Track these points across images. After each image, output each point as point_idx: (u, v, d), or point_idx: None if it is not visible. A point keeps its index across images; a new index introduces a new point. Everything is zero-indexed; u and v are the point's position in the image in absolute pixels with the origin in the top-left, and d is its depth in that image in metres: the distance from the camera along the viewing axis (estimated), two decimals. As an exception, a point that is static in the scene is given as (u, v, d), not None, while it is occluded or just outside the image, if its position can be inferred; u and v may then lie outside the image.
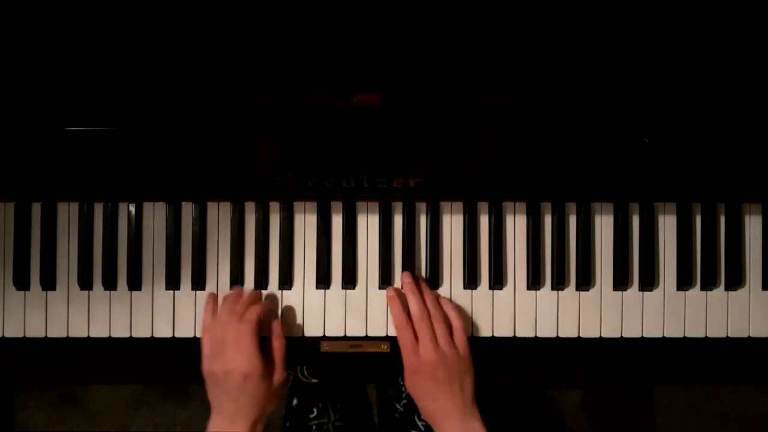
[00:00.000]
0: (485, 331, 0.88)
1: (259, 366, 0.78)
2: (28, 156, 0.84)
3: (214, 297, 0.86)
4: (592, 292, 0.89)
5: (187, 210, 0.89)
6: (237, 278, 0.88)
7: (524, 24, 0.85)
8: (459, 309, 0.86)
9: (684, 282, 0.89)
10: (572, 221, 0.89)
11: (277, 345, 0.82)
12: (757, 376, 1.38)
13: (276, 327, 0.83)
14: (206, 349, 0.81)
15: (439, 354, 0.80)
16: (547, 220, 0.89)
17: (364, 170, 0.84)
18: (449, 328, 0.83)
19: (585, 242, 0.89)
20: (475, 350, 0.85)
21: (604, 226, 0.89)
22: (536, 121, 0.85)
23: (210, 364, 0.80)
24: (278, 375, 0.81)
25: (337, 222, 0.89)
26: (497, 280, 0.88)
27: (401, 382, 1.00)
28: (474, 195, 0.88)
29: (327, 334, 0.88)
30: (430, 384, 0.79)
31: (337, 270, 0.89)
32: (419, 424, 0.96)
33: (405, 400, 0.99)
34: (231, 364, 0.78)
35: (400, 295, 0.86)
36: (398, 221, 0.89)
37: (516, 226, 0.89)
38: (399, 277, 0.88)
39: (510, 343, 0.88)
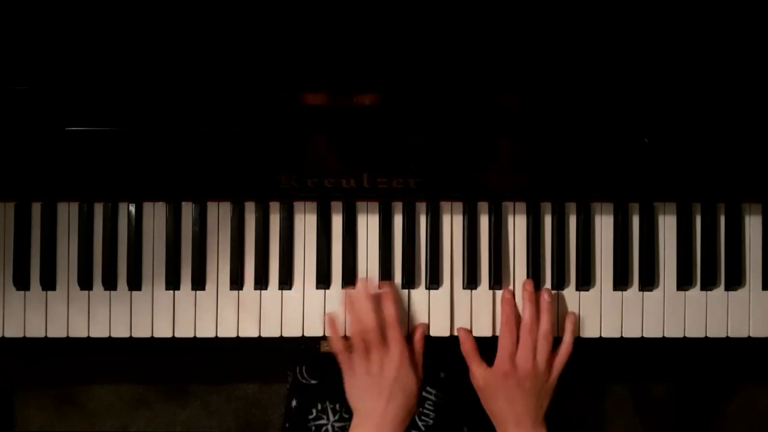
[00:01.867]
0: (485, 332, 0.88)
1: (408, 353, 0.83)
2: (28, 156, 0.84)
3: (332, 318, 0.87)
4: (592, 292, 0.89)
5: (187, 210, 0.89)
6: (237, 278, 0.88)
7: (524, 24, 0.85)
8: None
9: (684, 282, 0.89)
10: (572, 221, 0.89)
11: (418, 346, 0.85)
12: (757, 376, 1.38)
13: (420, 329, 0.87)
14: (348, 361, 0.84)
15: (535, 367, 0.82)
16: (547, 220, 0.89)
17: (364, 170, 0.84)
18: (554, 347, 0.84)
19: (585, 242, 0.89)
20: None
21: (604, 226, 0.89)
22: (536, 121, 0.85)
23: (360, 367, 0.83)
24: (420, 372, 0.84)
25: (337, 222, 0.89)
26: (497, 281, 0.88)
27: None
28: (474, 195, 0.88)
29: (327, 334, 0.88)
30: (514, 391, 0.82)
31: (337, 270, 0.89)
32: (420, 424, 0.96)
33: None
34: (384, 359, 0.82)
35: (513, 298, 0.87)
36: (398, 221, 0.89)
37: (516, 226, 0.89)
38: (399, 277, 0.88)
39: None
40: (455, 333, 0.88)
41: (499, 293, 0.88)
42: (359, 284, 0.86)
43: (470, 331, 0.88)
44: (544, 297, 0.87)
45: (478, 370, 0.85)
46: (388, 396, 0.81)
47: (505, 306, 0.86)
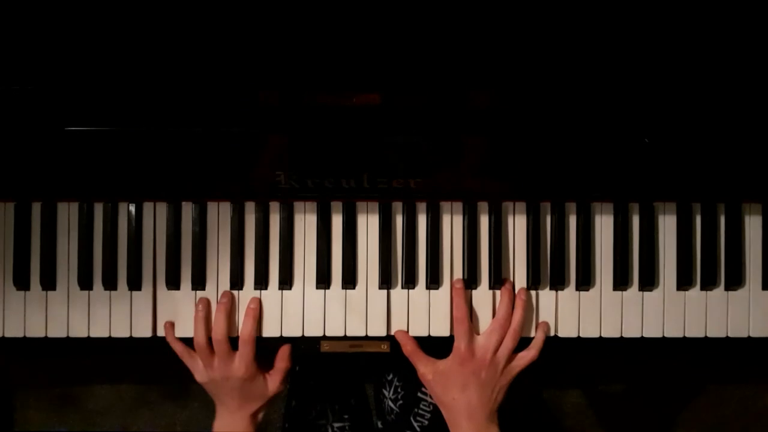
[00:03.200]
0: (485, 331, 0.88)
1: (255, 372, 0.84)
2: (28, 156, 0.84)
3: (206, 305, 0.87)
4: (592, 292, 0.89)
5: (187, 210, 0.89)
6: (237, 278, 0.88)
7: (525, 24, 0.85)
8: (541, 346, 0.86)
9: (684, 282, 0.89)
10: (572, 221, 0.89)
11: (282, 366, 0.87)
12: (757, 376, 1.38)
13: (285, 350, 0.88)
14: (194, 363, 0.86)
15: (493, 360, 0.82)
16: (547, 220, 0.89)
17: (364, 170, 0.84)
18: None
19: (585, 242, 0.89)
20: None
21: (604, 226, 0.89)
22: (536, 121, 0.85)
23: (206, 373, 0.85)
24: (276, 386, 0.86)
25: (337, 222, 0.89)
26: (497, 281, 0.88)
27: (398, 384, 1.00)
28: (474, 195, 0.88)
29: (327, 334, 0.88)
30: (469, 378, 0.81)
31: (337, 270, 0.89)
32: (415, 425, 0.96)
33: (401, 401, 1.00)
34: (229, 373, 0.83)
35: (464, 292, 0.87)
36: (398, 221, 0.89)
37: (516, 226, 0.89)
38: (399, 277, 0.88)
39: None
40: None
41: (498, 293, 0.88)
42: (223, 297, 0.87)
43: (407, 332, 0.87)
44: (521, 296, 0.86)
45: (426, 367, 0.84)
46: (238, 396, 0.84)
47: (457, 296, 0.86)
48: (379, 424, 1.02)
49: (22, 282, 0.88)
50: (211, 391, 0.86)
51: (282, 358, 0.87)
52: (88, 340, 0.88)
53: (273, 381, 0.86)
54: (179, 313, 0.88)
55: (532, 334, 0.87)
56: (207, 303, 0.86)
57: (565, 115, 0.85)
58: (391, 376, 1.01)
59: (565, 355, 0.90)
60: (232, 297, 0.87)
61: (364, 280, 0.89)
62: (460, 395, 0.81)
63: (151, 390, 1.36)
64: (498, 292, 0.88)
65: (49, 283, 0.88)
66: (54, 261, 0.88)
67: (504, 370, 0.83)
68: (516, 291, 0.87)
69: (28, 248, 0.88)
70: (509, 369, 0.83)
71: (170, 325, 0.87)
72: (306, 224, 0.89)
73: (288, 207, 0.89)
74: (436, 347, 0.88)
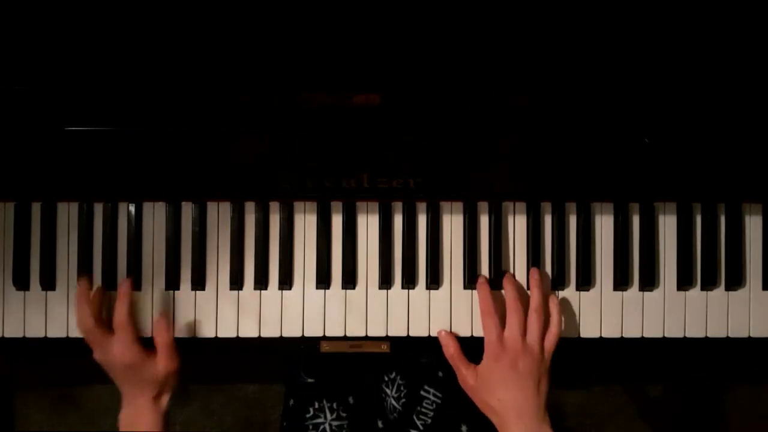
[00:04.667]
0: (485, 331, 0.88)
1: (139, 356, 0.82)
2: (28, 156, 0.84)
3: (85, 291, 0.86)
4: (592, 292, 0.89)
5: (187, 210, 0.89)
6: (237, 278, 0.88)
7: (524, 24, 0.85)
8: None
9: (684, 282, 0.89)
10: (572, 221, 0.89)
11: (161, 339, 0.84)
12: (757, 376, 1.38)
13: (161, 322, 0.85)
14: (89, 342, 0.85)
15: (525, 345, 0.79)
16: (547, 220, 0.89)
17: (364, 170, 0.84)
18: (544, 330, 0.82)
19: (585, 242, 0.89)
20: (473, 350, 0.84)
21: (604, 226, 0.89)
22: (536, 121, 0.85)
23: (96, 354, 0.84)
24: (166, 364, 0.83)
25: (337, 222, 0.89)
26: (497, 281, 0.88)
27: (400, 382, 1.00)
28: (474, 195, 0.88)
29: (327, 334, 0.88)
30: (509, 374, 0.79)
31: (337, 270, 0.89)
32: (418, 423, 0.96)
33: (404, 400, 0.99)
34: (112, 357, 0.83)
35: (486, 280, 0.86)
36: (398, 221, 0.89)
37: (516, 226, 0.89)
38: (399, 277, 0.88)
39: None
40: (456, 333, 0.88)
41: (498, 294, 0.88)
42: (80, 285, 0.85)
43: (452, 333, 0.86)
44: (534, 275, 0.85)
45: (467, 371, 0.83)
46: (127, 385, 0.84)
47: (481, 290, 0.84)
48: (380, 423, 1.02)
49: (21, 282, 0.88)
50: (114, 381, 0.85)
51: (158, 332, 0.84)
52: (88, 340, 0.88)
53: (160, 360, 0.83)
54: (178, 313, 0.88)
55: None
56: (85, 284, 0.85)
57: (565, 115, 0.85)
58: (393, 374, 1.01)
59: (565, 355, 0.90)
60: (97, 287, 0.86)
61: (364, 280, 0.89)
62: (505, 394, 0.79)
63: (151, 390, 1.36)
64: (497, 293, 0.88)
65: (48, 283, 0.88)
66: (54, 261, 0.88)
67: (538, 354, 0.80)
68: (529, 273, 0.86)
69: (27, 248, 0.88)
70: (543, 352, 0.81)
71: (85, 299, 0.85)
72: (306, 224, 0.89)
73: (288, 207, 0.89)
74: (434, 347, 0.88)
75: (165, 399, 0.85)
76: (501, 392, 0.79)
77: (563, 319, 0.86)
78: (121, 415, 0.84)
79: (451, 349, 0.84)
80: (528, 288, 0.88)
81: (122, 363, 0.82)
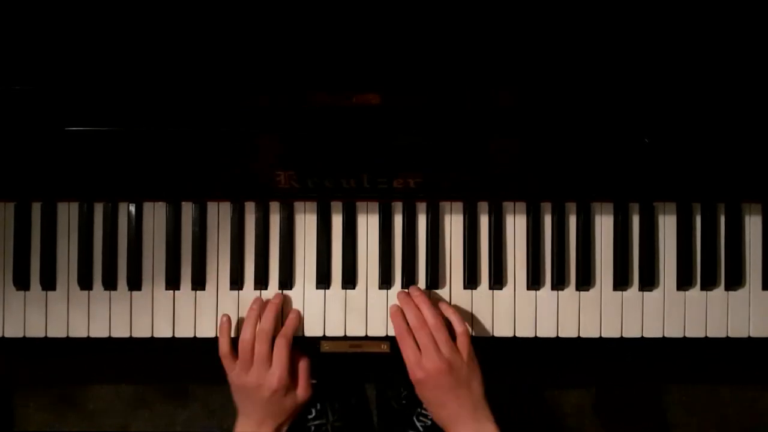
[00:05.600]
0: (485, 332, 0.88)
1: (287, 384, 0.81)
2: (28, 156, 0.84)
3: (229, 317, 0.86)
4: (592, 292, 0.89)
5: (187, 210, 0.89)
6: (237, 278, 0.88)
7: (524, 23, 0.85)
8: (461, 313, 0.86)
9: (684, 282, 0.89)
10: (572, 221, 0.89)
11: (304, 366, 0.84)
12: (757, 376, 1.38)
13: (302, 355, 0.85)
14: (231, 366, 0.83)
15: (443, 361, 0.80)
16: (547, 220, 0.89)
17: (364, 170, 0.84)
18: (452, 332, 0.83)
19: (585, 242, 0.89)
20: (474, 350, 0.84)
21: (604, 226, 0.89)
22: (536, 121, 0.85)
23: (239, 377, 0.82)
24: (303, 393, 0.83)
25: (337, 222, 0.89)
26: (497, 281, 0.88)
27: (401, 383, 1.00)
28: (474, 195, 0.88)
29: (327, 334, 0.88)
30: (436, 393, 0.80)
31: (337, 270, 0.89)
32: (417, 425, 0.96)
33: (404, 401, 1.00)
34: (263, 380, 0.80)
35: (401, 310, 0.86)
36: (398, 221, 0.89)
37: (516, 226, 0.89)
38: (399, 277, 0.88)
39: (510, 344, 0.88)
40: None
41: (498, 293, 0.88)
42: (275, 298, 0.86)
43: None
44: (414, 293, 0.85)
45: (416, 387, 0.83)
46: (264, 408, 0.81)
47: (395, 318, 0.85)
48: (380, 424, 1.02)
49: (22, 282, 0.88)
50: (239, 400, 0.84)
51: (301, 357, 0.85)
52: (88, 340, 0.88)
53: (302, 389, 0.83)
54: (179, 313, 0.88)
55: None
56: (261, 302, 0.85)
57: (565, 115, 0.85)
58: (393, 376, 1.01)
59: (566, 355, 0.90)
60: (284, 298, 0.86)
61: (364, 280, 0.89)
62: (440, 410, 0.80)
63: (151, 390, 1.36)
64: (498, 293, 0.88)
65: (48, 283, 0.88)
66: (54, 261, 0.88)
67: (459, 360, 0.80)
68: (411, 292, 0.86)
69: (28, 248, 0.88)
70: (462, 356, 0.81)
71: (228, 320, 0.85)
72: (306, 224, 0.89)
73: (288, 207, 0.89)
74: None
75: (284, 429, 0.83)
76: (437, 409, 0.80)
77: (560, 319, 0.87)
78: None
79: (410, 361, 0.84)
80: (533, 287, 0.88)
81: (273, 387, 0.80)
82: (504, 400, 1.34)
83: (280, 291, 0.88)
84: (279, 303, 0.85)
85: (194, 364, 1.36)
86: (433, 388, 0.80)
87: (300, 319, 0.86)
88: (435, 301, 0.86)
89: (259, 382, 0.80)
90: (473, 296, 0.88)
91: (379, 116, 0.84)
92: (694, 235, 0.90)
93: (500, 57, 0.85)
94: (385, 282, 0.88)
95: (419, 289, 0.87)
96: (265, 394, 0.80)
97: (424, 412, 0.96)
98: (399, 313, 0.85)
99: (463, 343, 0.82)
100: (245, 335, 0.82)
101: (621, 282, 0.88)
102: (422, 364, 0.80)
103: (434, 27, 0.85)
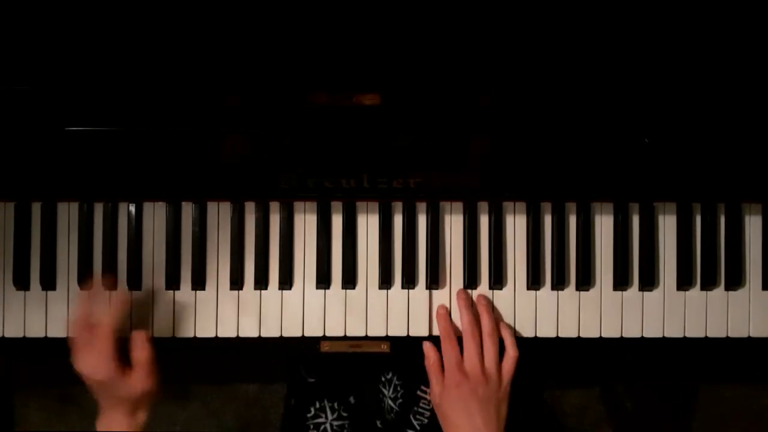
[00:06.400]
0: (485, 331, 0.88)
1: (113, 373, 0.79)
2: (28, 156, 0.84)
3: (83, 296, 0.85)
4: (592, 292, 0.89)
5: (187, 210, 0.89)
6: (237, 278, 0.88)
7: (525, 23, 0.85)
8: (515, 338, 0.85)
9: (684, 282, 0.89)
10: (572, 221, 0.89)
11: (139, 356, 0.81)
12: (757, 376, 1.38)
13: (139, 338, 0.82)
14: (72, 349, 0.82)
15: (485, 372, 0.80)
16: (547, 220, 0.89)
17: (364, 170, 0.84)
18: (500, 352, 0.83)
19: (585, 242, 0.89)
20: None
21: (604, 226, 0.89)
22: (537, 121, 0.85)
23: (75, 364, 0.81)
24: (142, 384, 0.81)
25: (337, 222, 0.89)
26: (497, 281, 0.88)
27: (397, 382, 1.00)
28: (474, 195, 0.88)
29: (327, 334, 0.88)
30: (470, 401, 0.79)
31: (337, 270, 0.89)
32: (414, 423, 0.96)
33: (401, 400, 0.99)
34: (87, 369, 0.80)
35: (448, 312, 0.87)
36: (398, 221, 0.89)
37: (516, 226, 0.89)
38: (399, 277, 0.88)
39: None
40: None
41: (498, 293, 0.88)
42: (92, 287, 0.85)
43: (434, 346, 0.85)
44: (481, 300, 0.86)
45: (437, 387, 0.82)
46: (103, 398, 0.81)
47: (441, 320, 0.85)
48: (378, 423, 1.02)
49: (22, 282, 0.88)
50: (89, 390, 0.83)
51: (137, 347, 0.81)
52: (88, 340, 0.88)
53: (137, 378, 0.80)
54: (179, 313, 0.88)
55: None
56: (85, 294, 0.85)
57: (565, 115, 0.85)
58: (390, 374, 1.01)
59: (566, 355, 0.90)
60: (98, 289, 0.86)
61: (364, 280, 0.89)
62: (464, 420, 0.79)
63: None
64: (497, 293, 0.88)
65: (49, 283, 0.88)
66: (54, 261, 0.88)
67: (498, 379, 0.81)
68: (474, 298, 0.87)
69: (28, 248, 0.88)
70: (502, 377, 0.82)
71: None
72: (306, 224, 0.89)
73: (288, 207, 0.89)
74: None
75: (141, 416, 0.82)
76: (461, 418, 0.79)
77: (560, 319, 0.87)
78: (98, 423, 0.83)
79: (431, 360, 0.84)
80: (533, 287, 0.88)
81: (94, 378, 0.79)
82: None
83: (280, 291, 0.88)
84: (88, 294, 0.84)
85: (194, 364, 1.36)
86: (467, 395, 0.79)
87: (124, 307, 0.84)
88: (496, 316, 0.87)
89: (85, 371, 0.79)
90: (473, 296, 0.88)
91: (379, 116, 0.84)
92: (694, 235, 0.90)
93: (502, 57, 0.85)
94: (385, 282, 0.88)
95: (487, 298, 0.87)
96: (94, 384, 0.80)
97: (420, 410, 0.96)
98: (447, 315, 0.86)
99: (508, 365, 0.82)
100: (72, 327, 0.82)
101: (621, 282, 0.88)
102: (463, 367, 0.80)
103: (435, 25, 0.85)
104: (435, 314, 0.87)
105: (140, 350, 0.81)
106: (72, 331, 0.82)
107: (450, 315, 0.87)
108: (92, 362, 0.79)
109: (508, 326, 0.86)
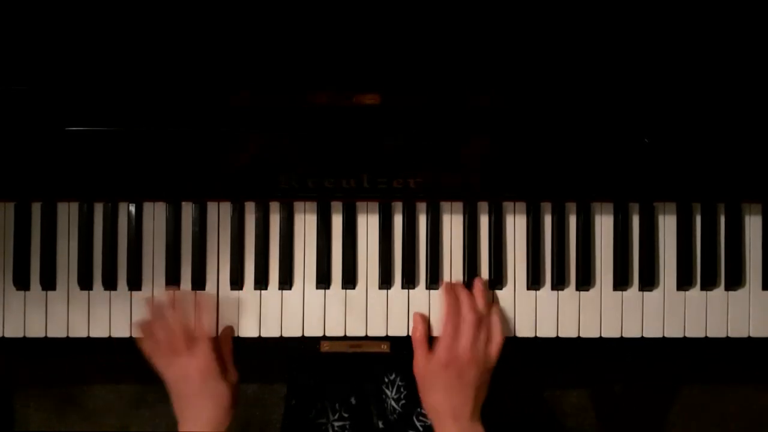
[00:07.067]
0: (485, 331, 0.88)
1: (215, 366, 0.81)
2: (28, 156, 0.84)
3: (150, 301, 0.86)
4: (592, 292, 0.89)
5: (187, 210, 0.89)
6: (237, 278, 0.88)
7: (525, 23, 0.85)
8: (503, 324, 0.86)
9: (684, 282, 0.89)
10: (572, 221, 0.89)
11: (226, 350, 0.85)
12: (757, 376, 1.38)
13: (229, 332, 0.86)
14: (158, 356, 0.83)
15: (474, 355, 0.81)
16: (547, 220, 0.89)
17: (364, 170, 0.84)
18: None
19: (585, 242, 0.89)
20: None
21: (604, 226, 0.89)
22: (537, 121, 0.85)
23: (170, 371, 0.82)
24: (231, 375, 0.84)
25: (337, 222, 0.89)
26: (497, 281, 0.88)
27: (400, 383, 1.00)
28: (474, 195, 0.88)
29: (327, 334, 0.88)
30: (454, 382, 0.81)
31: (337, 270, 0.89)
32: (417, 424, 0.96)
33: (404, 401, 0.99)
34: (187, 365, 0.81)
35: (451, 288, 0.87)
36: (398, 221, 0.89)
37: (516, 226, 0.89)
38: (399, 277, 0.88)
39: (510, 343, 0.88)
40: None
41: (498, 293, 0.88)
42: (167, 294, 0.86)
43: (424, 317, 0.87)
44: (478, 285, 0.86)
45: (422, 360, 0.84)
46: (198, 403, 0.81)
47: (447, 294, 0.85)
48: (380, 424, 1.02)
49: (22, 282, 0.88)
50: (176, 403, 0.83)
51: (227, 342, 0.86)
52: (88, 340, 0.88)
53: (230, 370, 0.84)
54: (179, 313, 0.88)
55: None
56: (151, 299, 0.86)
57: (565, 115, 0.85)
58: (393, 375, 1.01)
59: (566, 355, 0.90)
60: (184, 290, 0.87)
61: (364, 280, 0.89)
62: (445, 397, 0.81)
63: (151, 390, 1.36)
64: (498, 293, 0.88)
65: (49, 283, 0.88)
66: (54, 261, 0.88)
67: (483, 363, 0.82)
68: (473, 284, 0.87)
69: (28, 248, 0.88)
70: (486, 362, 0.83)
71: (137, 327, 0.85)
72: (306, 224, 0.89)
73: (288, 207, 0.89)
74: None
75: (232, 410, 0.83)
76: (442, 396, 0.81)
77: (560, 319, 0.87)
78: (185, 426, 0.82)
79: (418, 333, 0.86)
80: (533, 287, 0.88)
81: (199, 371, 0.80)
82: (503, 400, 1.34)
83: (280, 291, 0.88)
84: (174, 294, 0.86)
85: (194, 364, 1.36)
86: (453, 374, 0.81)
87: (211, 305, 0.86)
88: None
89: (186, 370, 0.81)
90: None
91: (379, 116, 0.84)
92: (694, 235, 0.90)
93: (502, 57, 0.85)
94: (385, 282, 0.88)
95: (485, 284, 0.87)
96: (195, 381, 0.80)
97: (423, 411, 0.96)
98: (452, 291, 0.86)
99: (494, 351, 0.83)
100: (155, 328, 0.83)
101: (621, 282, 0.88)
102: (454, 346, 0.82)
103: (436, 25, 0.85)
104: (443, 287, 0.87)
105: (226, 344, 0.85)
106: (167, 335, 0.82)
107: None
108: (197, 360, 0.81)
109: (499, 312, 0.87)
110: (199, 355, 0.81)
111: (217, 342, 0.85)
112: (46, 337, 0.88)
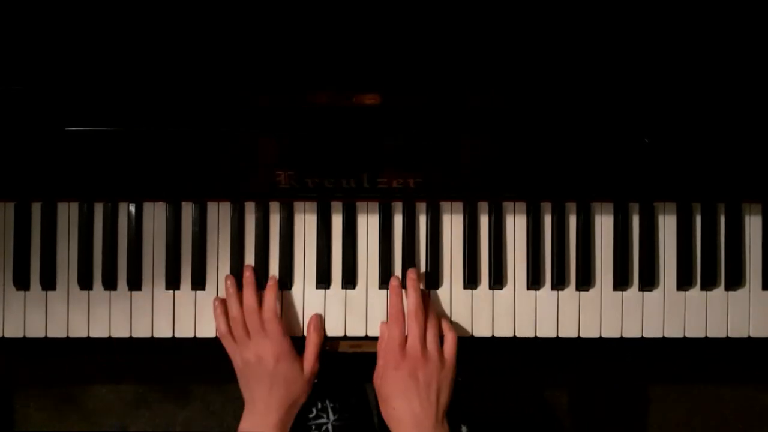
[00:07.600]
0: (485, 331, 0.88)
1: (288, 347, 0.82)
2: (28, 156, 0.84)
3: (222, 300, 0.87)
4: (592, 292, 0.89)
5: (187, 210, 0.89)
6: (237, 278, 0.88)
7: (525, 23, 0.85)
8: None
9: (684, 282, 0.89)
10: (572, 221, 0.89)
11: (313, 337, 0.84)
12: (757, 376, 1.38)
13: (317, 320, 0.86)
14: (232, 347, 0.84)
15: (425, 354, 0.79)
16: (547, 220, 0.89)
17: (364, 170, 0.84)
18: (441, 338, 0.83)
19: (585, 242, 0.89)
20: (474, 350, 0.85)
21: (604, 226, 0.89)
22: (536, 121, 0.85)
23: (241, 355, 0.82)
24: (310, 365, 0.83)
25: (337, 222, 0.89)
26: (497, 280, 0.88)
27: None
28: (474, 195, 0.88)
29: (327, 334, 0.88)
30: (408, 383, 0.78)
31: (337, 270, 0.89)
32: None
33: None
34: (262, 349, 0.81)
35: (399, 284, 0.86)
36: (398, 221, 0.89)
37: (516, 226, 0.89)
38: (399, 275, 0.88)
39: (510, 343, 0.88)
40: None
41: (498, 293, 0.88)
42: (246, 274, 0.86)
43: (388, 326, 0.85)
44: (411, 276, 0.85)
45: (379, 369, 0.83)
46: (269, 385, 0.80)
47: (393, 295, 0.84)
48: (380, 424, 1.02)
49: (22, 282, 0.88)
50: (244, 385, 0.83)
51: (313, 329, 0.85)
52: (88, 340, 0.88)
53: (307, 360, 0.83)
54: (179, 313, 0.88)
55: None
56: (234, 281, 0.86)
57: (565, 115, 0.85)
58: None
59: (566, 355, 0.90)
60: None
61: (364, 280, 0.89)
62: (401, 403, 0.78)
63: (151, 390, 1.36)
64: (497, 293, 0.88)
65: (49, 283, 0.88)
66: (54, 261, 0.88)
67: (440, 362, 0.80)
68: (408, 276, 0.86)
69: (28, 248, 0.88)
70: (445, 360, 0.81)
71: (222, 302, 0.86)
72: (306, 224, 0.89)
73: (288, 207, 0.89)
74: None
75: (288, 424, 0.82)
76: (398, 401, 0.78)
77: (560, 319, 0.87)
78: (242, 427, 0.81)
79: (381, 341, 0.84)
80: (533, 287, 0.88)
81: (274, 356, 0.80)
82: (503, 400, 1.34)
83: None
84: (252, 276, 0.86)
85: (194, 364, 1.36)
86: (406, 377, 0.78)
87: (275, 289, 0.86)
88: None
89: (259, 353, 0.81)
90: (473, 296, 0.88)
91: (379, 116, 0.84)
92: (694, 235, 0.90)
93: (502, 57, 0.85)
94: (385, 282, 0.88)
95: (416, 271, 0.86)
96: (268, 365, 0.80)
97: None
98: (399, 289, 0.85)
99: (450, 350, 0.82)
100: (233, 313, 0.84)
101: (621, 282, 0.88)
102: (405, 347, 0.80)
103: (436, 25, 0.85)
104: (389, 287, 0.85)
105: (316, 332, 0.85)
106: (239, 319, 0.83)
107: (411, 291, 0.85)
108: (270, 342, 0.81)
109: (440, 316, 0.86)
110: (273, 337, 0.81)
111: (282, 323, 0.83)
112: (46, 337, 0.88)
